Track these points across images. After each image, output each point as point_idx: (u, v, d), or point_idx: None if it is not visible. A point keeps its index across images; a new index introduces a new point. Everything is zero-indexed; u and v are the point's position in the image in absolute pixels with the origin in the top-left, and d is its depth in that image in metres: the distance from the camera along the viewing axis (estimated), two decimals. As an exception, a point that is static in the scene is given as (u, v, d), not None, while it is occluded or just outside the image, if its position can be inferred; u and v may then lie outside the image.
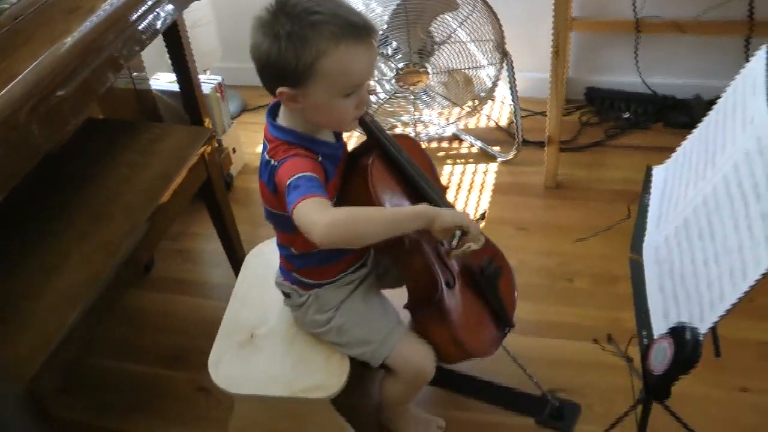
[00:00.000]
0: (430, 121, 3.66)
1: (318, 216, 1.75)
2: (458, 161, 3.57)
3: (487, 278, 2.20)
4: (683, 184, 1.87)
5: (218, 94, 3.37)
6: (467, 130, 3.75)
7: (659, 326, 1.69)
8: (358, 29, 1.78)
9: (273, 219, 2.05)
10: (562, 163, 3.34)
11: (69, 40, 2.07)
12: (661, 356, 1.59)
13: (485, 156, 3.58)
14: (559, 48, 2.97)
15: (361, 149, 2.10)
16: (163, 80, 3.35)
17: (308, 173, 1.81)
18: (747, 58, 3.30)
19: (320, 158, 1.90)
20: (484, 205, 3.29)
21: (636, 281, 1.83)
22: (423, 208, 1.88)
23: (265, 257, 2.44)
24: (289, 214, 1.81)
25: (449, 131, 3.69)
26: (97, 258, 2.19)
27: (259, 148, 2.02)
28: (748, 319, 2.66)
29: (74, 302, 2.06)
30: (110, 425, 2.57)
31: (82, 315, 2.06)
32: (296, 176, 1.80)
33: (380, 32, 3.22)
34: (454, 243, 1.94)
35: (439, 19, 3.30)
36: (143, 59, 3.12)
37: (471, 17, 3.28)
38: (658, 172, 2.06)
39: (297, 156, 1.85)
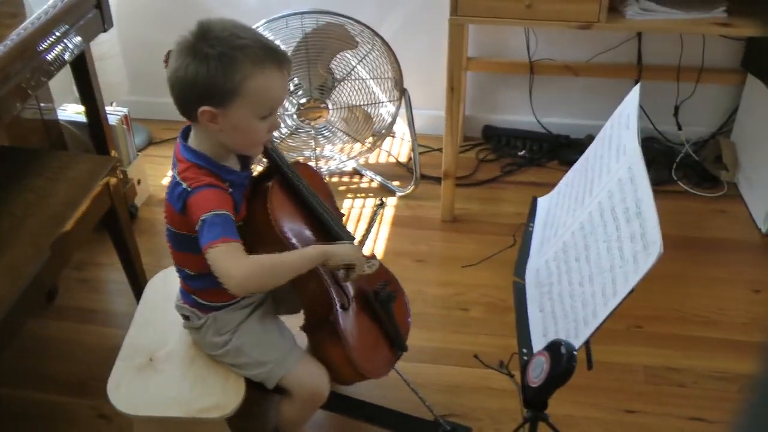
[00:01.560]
0: (331, 156, 3.72)
1: (234, 267, 1.87)
2: (358, 195, 3.64)
3: (382, 301, 2.27)
4: (564, 211, 1.98)
5: (124, 126, 3.39)
6: (367, 165, 3.83)
7: (538, 344, 1.80)
8: (279, 56, 1.91)
9: (173, 239, 2.10)
10: (459, 197, 3.44)
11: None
12: (538, 370, 1.69)
13: (384, 190, 3.66)
14: (454, 86, 3.07)
15: (262, 175, 2.18)
16: (71, 111, 3.37)
17: (223, 211, 1.90)
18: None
19: (230, 189, 1.98)
20: (383, 239, 3.37)
21: (518, 303, 1.94)
22: (319, 249, 2.03)
23: (166, 283, 2.47)
24: (195, 237, 1.91)
25: (350, 166, 3.76)
26: (1, 282, 2.20)
27: (165, 181, 2.07)
28: (635, 345, 2.81)
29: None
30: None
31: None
32: (212, 213, 1.88)
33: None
34: (344, 277, 2.11)
35: (339, 56, 3.38)
36: (51, 90, 3.13)
37: (370, 55, 3.37)
38: (542, 202, 2.17)
39: (211, 187, 1.93)
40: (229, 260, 1.88)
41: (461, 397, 2.65)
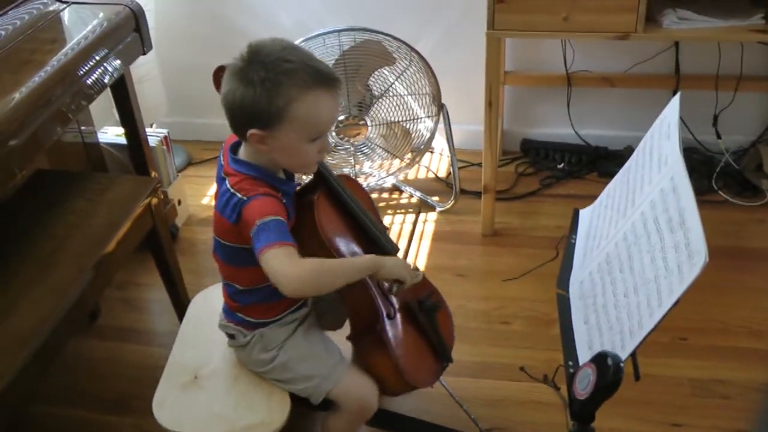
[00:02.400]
0: (371, 173, 3.74)
1: (290, 269, 1.88)
2: (398, 211, 3.66)
3: (426, 311, 2.28)
4: (607, 223, 1.97)
5: (164, 147, 3.43)
6: (406, 181, 3.85)
7: (584, 356, 1.78)
8: (327, 79, 1.91)
9: (222, 253, 2.12)
10: (499, 212, 3.44)
11: (17, 95, 2.15)
12: (585, 382, 1.68)
13: (424, 206, 3.68)
14: (492, 100, 3.07)
15: (307, 187, 2.21)
16: (111, 133, 3.40)
17: (278, 217, 1.91)
18: (674, 111, 3.46)
19: (283, 200, 2.00)
20: (424, 254, 3.37)
21: (562, 315, 1.93)
22: (372, 259, 2.05)
23: (209, 301, 2.48)
24: (251, 249, 1.91)
25: (389, 182, 3.78)
26: (45, 303, 2.23)
27: (205, 201, 2.08)
28: (681, 358, 2.79)
29: (22, 346, 2.09)
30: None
31: (30, 359, 2.08)
32: (268, 218, 1.90)
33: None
34: (393, 291, 2.15)
35: (377, 73, 3.41)
36: (92, 113, 3.18)
37: (408, 71, 3.39)
38: (584, 214, 2.17)
39: (267, 196, 1.95)
40: (285, 262, 1.89)
41: (505, 411, 2.65)
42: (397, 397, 2.44)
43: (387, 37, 3.33)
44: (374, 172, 3.75)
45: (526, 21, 2.87)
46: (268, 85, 1.85)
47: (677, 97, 1.91)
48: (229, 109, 1.94)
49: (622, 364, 1.63)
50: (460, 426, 2.55)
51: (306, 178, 2.32)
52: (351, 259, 2.09)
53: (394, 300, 2.25)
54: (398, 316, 2.25)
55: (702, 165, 3.67)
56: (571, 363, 1.81)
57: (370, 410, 2.23)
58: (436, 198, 3.69)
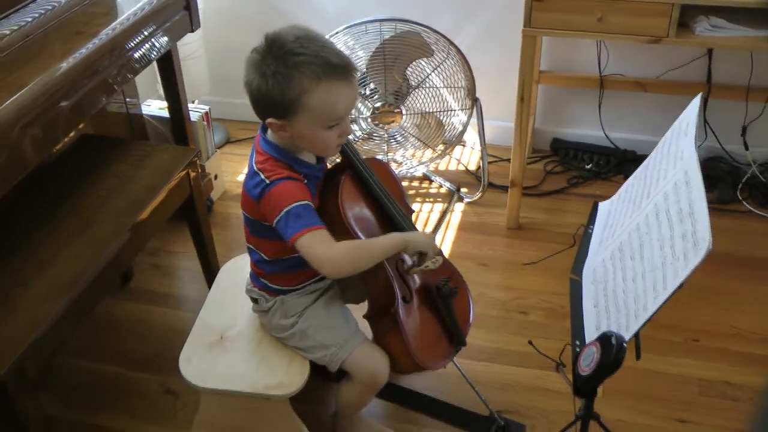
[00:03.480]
0: (402, 162, 3.82)
1: (327, 252, 2.03)
2: (427, 200, 3.73)
3: (443, 296, 2.37)
4: (623, 214, 2.06)
5: (204, 123, 3.53)
6: (437, 172, 3.92)
7: (591, 336, 1.87)
8: (338, 69, 1.98)
9: (249, 224, 2.23)
10: (525, 207, 3.52)
11: (65, 63, 2.28)
12: (589, 359, 1.76)
13: (452, 197, 3.75)
14: (524, 96, 3.15)
15: (335, 169, 2.30)
16: (154, 106, 3.52)
17: (305, 202, 2.03)
18: (705, 119, 3.52)
19: (305, 181, 2.10)
20: (449, 242, 3.45)
21: (573, 298, 2.01)
22: (401, 236, 2.17)
23: (239, 269, 2.60)
24: (268, 226, 2.07)
25: (419, 171, 3.86)
26: (85, 256, 2.35)
27: (240, 177, 2.18)
28: (692, 358, 2.84)
29: (60, 295, 2.21)
30: (80, 419, 2.70)
31: (66, 309, 2.20)
32: (295, 204, 2.02)
33: (360, 73, 3.41)
34: (415, 260, 2.21)
35: (414, 63, 3.48)
36: (137, 86, 3.31)
37: (444, 63, 3.47)
38: (603, 207, 2.25)
39: (289, 179, 2.06)
40: (322, 246, 2.02)
41: (516, 395, 2.72)
42: (409, 375, 2.58)
43: (426, 29, 3.40)
44: (406, 161, 3.83)
45: (562, 20, 2.93)
46: (279, 78, 1.94)
47: (698, 97, 1.98)
48: (250, 97, 2.05)
49: (625, 344, 1.71)
50: (470, 406, 2.65)
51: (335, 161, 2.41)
52: (382, 237, 2.18)
53: (411, 283, 2.34)
54: (415, 299, 2.34)
55: (728, 174, 3.71)
56: (578, 343, 1.89)
57: (380, 381, 2.31)
58: (464, 189, 3.77)
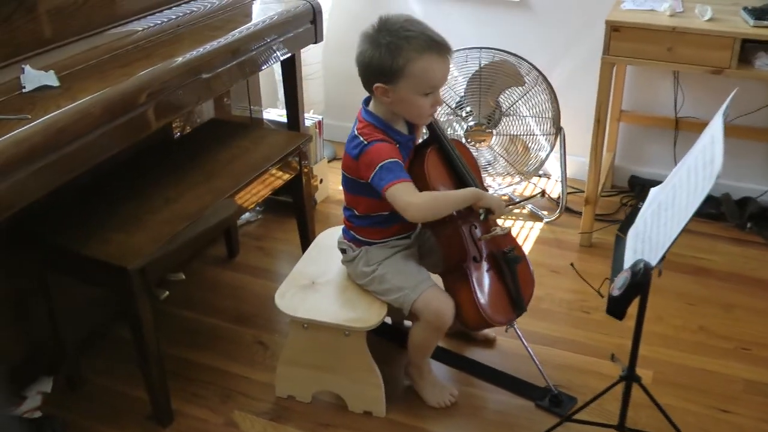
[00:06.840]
0: (489, 185, 4.08)
1: (411, 199, 2.42)
2: (508, 217, 4.00)
3: (508, 261, 2.68)
4: (664, 188, 2.35)
5: (317, 129, 3.93)
6: (520, 196, 4.20)
7: (627, 273, 2.16)
8: (439, 45, 2.43)
9: (346, 183, 2.63)
10: (599, 231, 3.78)
11: (191, 54, 2.76)
12: (620, 282, 2.06)
13: (532, 216, 4.03)
14: (600, 118, 3.43)
15: (424, 142, 2.68)
16: (273, 113, 3.97)
17: (395, 159, 2.44)
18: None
19: (397, 145, 2.50)
20: (525, 251, 3.69)
21: (617, 249, 2.32)
22: (473, 190, 2.54)
23: (334, 236, 2.93)
24: (363, 183, 2.47)
25: (503, 192, 4.13)
26: (205, 198, 2.77)
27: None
28: (740, 363, 3.03)
29: (182, 221, 2.63)
30: (181, 355, 3.08)
31: (183, 236, 2.61)
32: (388, 160, 2.43)
33: (458, 97, 3.79)
34: (482, 217, 2.54)
35: (507, 91, 3.81)
36: (261, 95, 3.83)
37: (532, 92, 3.79)
38: (653, 190, 2.53)
39: (384, 141, 2.47)
40: (407, 195, 2.41)
41: (571, 375, 2.95)
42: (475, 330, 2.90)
43: (521, 60, 3.74)
44: (492, 183, 4.12)
45: (635, 49, 3.24)
46: (392, 47, 2.38)
47: (734, 92, 2.27)
48: (361, 66, 2.48)
49: (651, 268, 2.01)
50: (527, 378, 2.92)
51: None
52: (458, 191, 2.55)
53: (482, 248, 2.65)
54: (484, 262, 2.66)
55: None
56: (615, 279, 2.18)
57: (445, 322, 2.60)
58: (544, 212, 4.04)
